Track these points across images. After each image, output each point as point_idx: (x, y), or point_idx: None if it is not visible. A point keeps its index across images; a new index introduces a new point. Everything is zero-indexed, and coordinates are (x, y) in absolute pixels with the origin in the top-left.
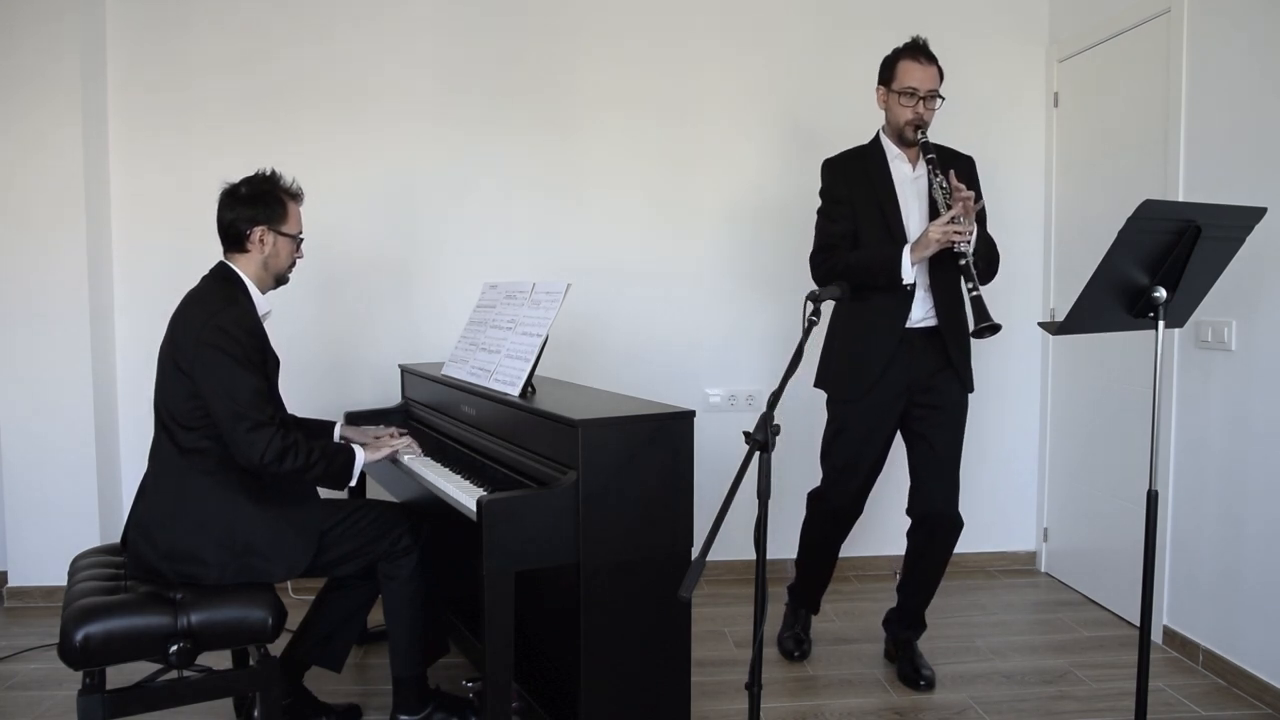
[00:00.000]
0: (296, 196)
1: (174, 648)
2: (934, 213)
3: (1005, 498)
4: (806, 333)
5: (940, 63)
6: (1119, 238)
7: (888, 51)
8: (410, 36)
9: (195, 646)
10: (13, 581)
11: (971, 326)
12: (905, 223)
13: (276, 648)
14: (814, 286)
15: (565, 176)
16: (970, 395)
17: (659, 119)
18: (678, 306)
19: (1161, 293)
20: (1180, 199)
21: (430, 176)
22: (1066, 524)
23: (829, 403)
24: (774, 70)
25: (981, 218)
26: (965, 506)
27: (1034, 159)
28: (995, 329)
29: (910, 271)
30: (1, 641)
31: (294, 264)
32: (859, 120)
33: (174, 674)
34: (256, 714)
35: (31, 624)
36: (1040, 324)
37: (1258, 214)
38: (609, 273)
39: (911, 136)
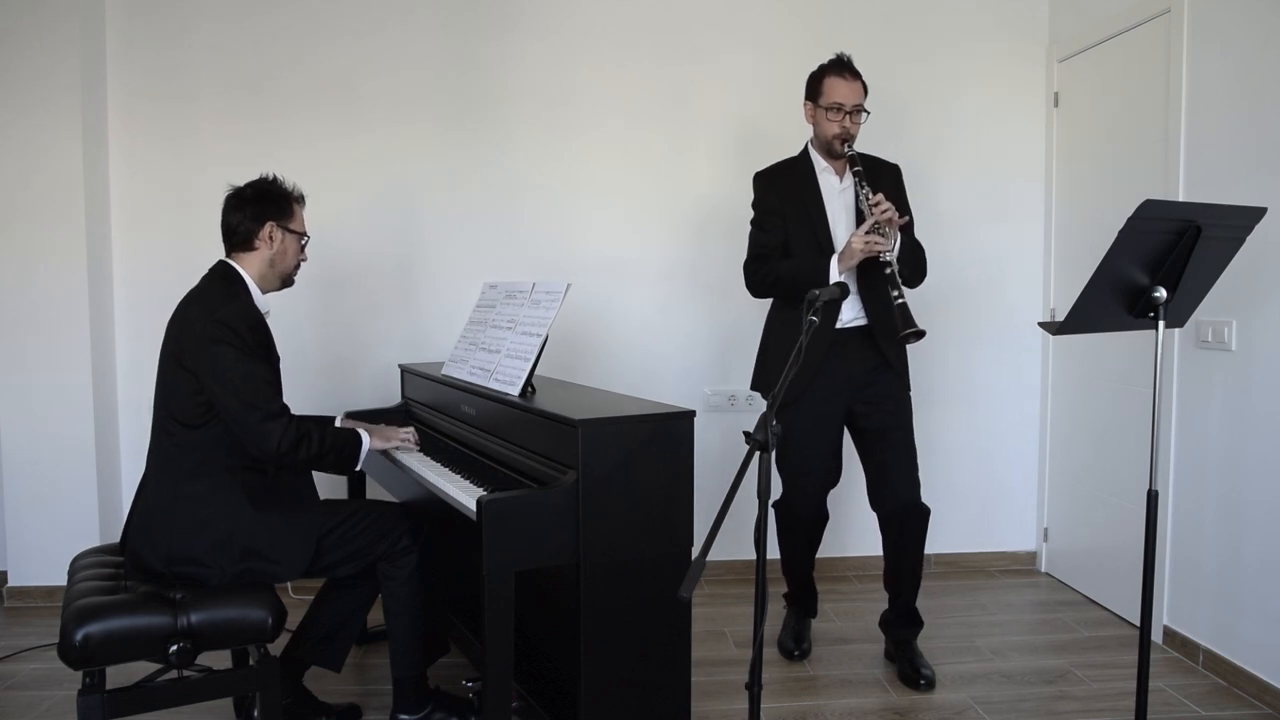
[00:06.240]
0: (299, 200)
1: (174, 648)
2: (860, 223)
3: (1005, 498)
4: (806, 333)
5: (864, 79)
6: (1119, 237)
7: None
8: (408, 39)
9: (195, 646)
10: (13, 581)
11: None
12: (833, 232)
13: (276, 648)
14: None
15: (565, 176)
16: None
17: (659, 118)
18: (678, 306)
19: (1161, 293)
20: (1180, 199)
21: (430, 176)
22: (1066, 524)
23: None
24: (773, 71)
25: (909, 225)
26: (966, 506)
27: (1034, 159)
28: (919, 335)
29: (838, 278)
30: (1, 641)
31: (299, 265)
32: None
33: (174, 674)
34: (256, 714)
35: (31, 624)
36: (1040, 324)
37: (1258, 214)
38: (609, 273)
39: (839, 150)
